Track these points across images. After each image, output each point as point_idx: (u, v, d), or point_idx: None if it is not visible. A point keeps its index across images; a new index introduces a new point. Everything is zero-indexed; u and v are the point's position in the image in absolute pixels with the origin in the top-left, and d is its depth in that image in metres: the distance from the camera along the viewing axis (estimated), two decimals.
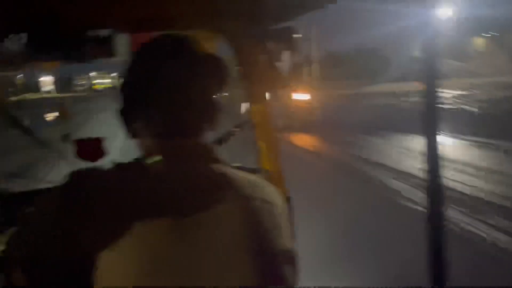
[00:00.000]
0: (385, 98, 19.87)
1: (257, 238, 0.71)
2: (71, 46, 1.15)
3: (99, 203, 0.67)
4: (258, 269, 0.70)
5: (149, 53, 0.79)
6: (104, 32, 1.16)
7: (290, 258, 0.76)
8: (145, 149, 0.77)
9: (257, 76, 1.28)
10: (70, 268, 0.67)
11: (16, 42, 1.18)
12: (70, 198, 0.68)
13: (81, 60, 1.20)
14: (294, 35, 1.26)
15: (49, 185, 1.39)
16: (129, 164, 0.73)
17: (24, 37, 1.15)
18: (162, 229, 0.66)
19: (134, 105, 0.77)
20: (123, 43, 1.22)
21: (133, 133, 0.80)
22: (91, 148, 1.40)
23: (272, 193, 0.79)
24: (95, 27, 1.16)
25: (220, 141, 1.32)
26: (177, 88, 0.74)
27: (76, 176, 0.70)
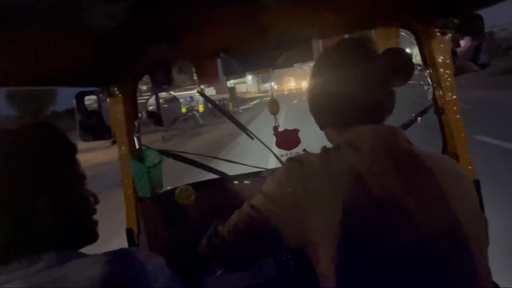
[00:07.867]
0: None
1: (478, 209, 0.82)
2: (279, 54, 1.42)
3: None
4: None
5: (335, 54, 0.93)
6: (305, 39, 1.39)
7: None
8: (332, 137, 0.94)
9: (441, 63, 1.34)
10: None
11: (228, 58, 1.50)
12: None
13: (285, 66, 1.47)
14: (481, 25, 1.25)
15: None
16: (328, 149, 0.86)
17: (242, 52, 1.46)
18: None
19: (324, 100, 0.91)
20: (316, 49, 1.43)
21: (321, 124, 0.96)
22: (288, 138, 1.67)
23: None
24: (297, 36, 1.39)
25: (404, 127, 1.43)
26: (362, 82, 0.86)
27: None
